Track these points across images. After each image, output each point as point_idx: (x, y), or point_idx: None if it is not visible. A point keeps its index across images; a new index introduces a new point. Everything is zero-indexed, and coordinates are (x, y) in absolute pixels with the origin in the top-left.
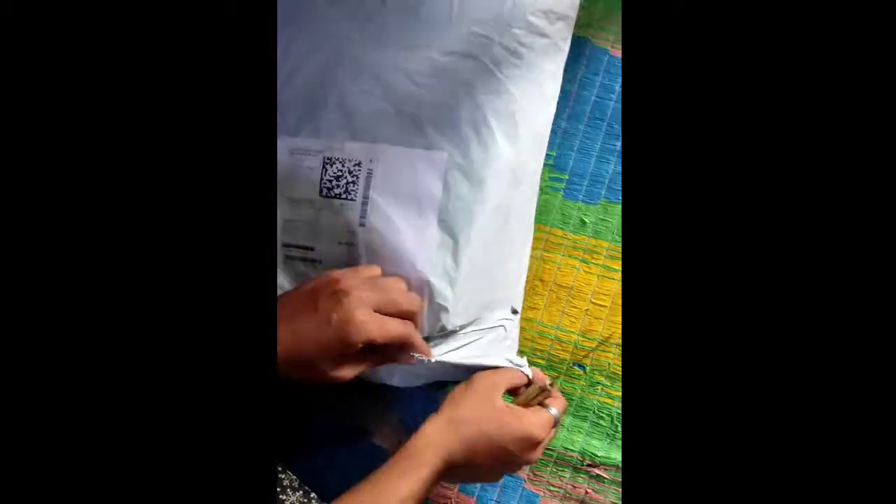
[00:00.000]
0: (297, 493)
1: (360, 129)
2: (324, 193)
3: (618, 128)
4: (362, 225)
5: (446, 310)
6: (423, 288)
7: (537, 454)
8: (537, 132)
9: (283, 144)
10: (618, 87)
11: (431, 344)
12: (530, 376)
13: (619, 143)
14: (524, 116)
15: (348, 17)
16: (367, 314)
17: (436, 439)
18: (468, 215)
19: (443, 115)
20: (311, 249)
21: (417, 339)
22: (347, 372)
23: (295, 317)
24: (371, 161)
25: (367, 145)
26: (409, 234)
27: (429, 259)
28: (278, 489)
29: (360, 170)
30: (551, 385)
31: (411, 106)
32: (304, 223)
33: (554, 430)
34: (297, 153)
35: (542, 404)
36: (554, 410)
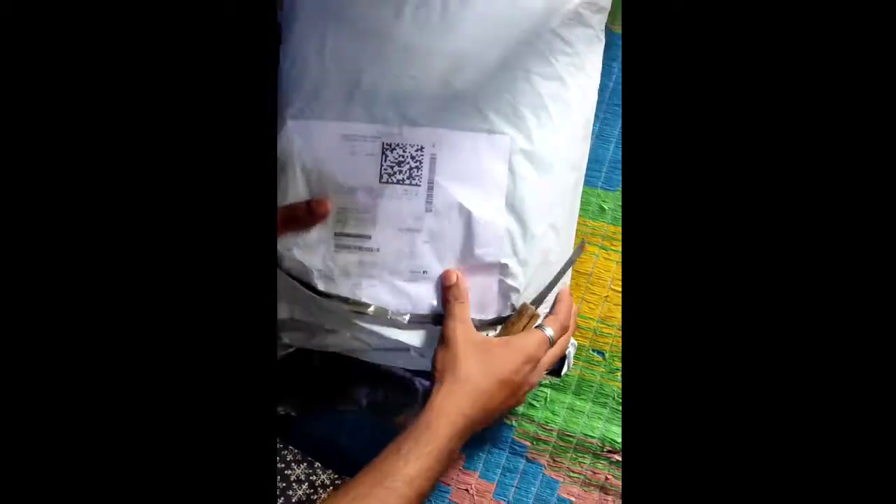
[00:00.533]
0: (302, 466)
1: (418, 115)
2: (384, 179)
3: None
4: (429, 210)
5: (517, 291)
6: (494, 270)
7: (538, 374)
8: (588, 119)
9: (334, 129)
10: None
11: None
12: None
13: None
14: (577, 103)
15: (391, 6)
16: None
17: (446, 408)
18: (535, 199)
19: (502, 99)
20: (368, 238)
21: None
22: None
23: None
24: (434, 145)
25: (428, 129)
26: (479, 217)
27: (498, 241)
28: (283, 464)
29: (422, 155)
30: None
31: (469, 91)
32: (360, 211)
33: (554, 349)
34: (350, 139)
35: (537, 326)
36: (549, 330)
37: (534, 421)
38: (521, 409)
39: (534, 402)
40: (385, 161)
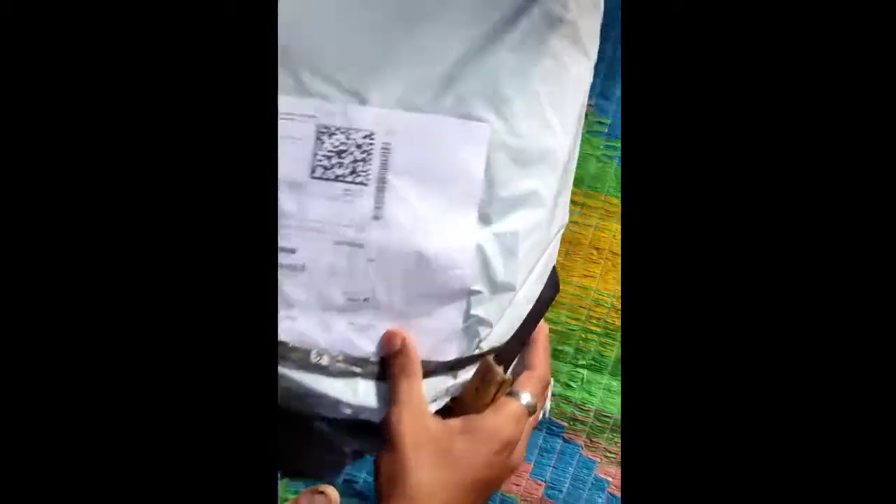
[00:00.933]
0: None
1: (369, 89)
2: (317, 174)
3: None
4: (377, 218)
5: (489, 325)
6: (460, 298)
7: (519, 457)
8: (582, 103)
9: None
10: None
11: None
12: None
13: None
14: (572, 85)
15: None
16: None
17: None
18: (518, 208)
19: (482, 76)
20: (291, 252)
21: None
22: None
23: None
24: (387, 133)
25: (380, 111)
26: (442, 229)
27: (467, 261)
28: None
29: (372, 144)
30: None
31: (438, 61)
32: (284, 214)
33: (533, 418)
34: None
35: (509, 393)
36: (526, 397)
37: (571, 402)
38: (557, 388)
39: (570, 384)
40: (320, 149)
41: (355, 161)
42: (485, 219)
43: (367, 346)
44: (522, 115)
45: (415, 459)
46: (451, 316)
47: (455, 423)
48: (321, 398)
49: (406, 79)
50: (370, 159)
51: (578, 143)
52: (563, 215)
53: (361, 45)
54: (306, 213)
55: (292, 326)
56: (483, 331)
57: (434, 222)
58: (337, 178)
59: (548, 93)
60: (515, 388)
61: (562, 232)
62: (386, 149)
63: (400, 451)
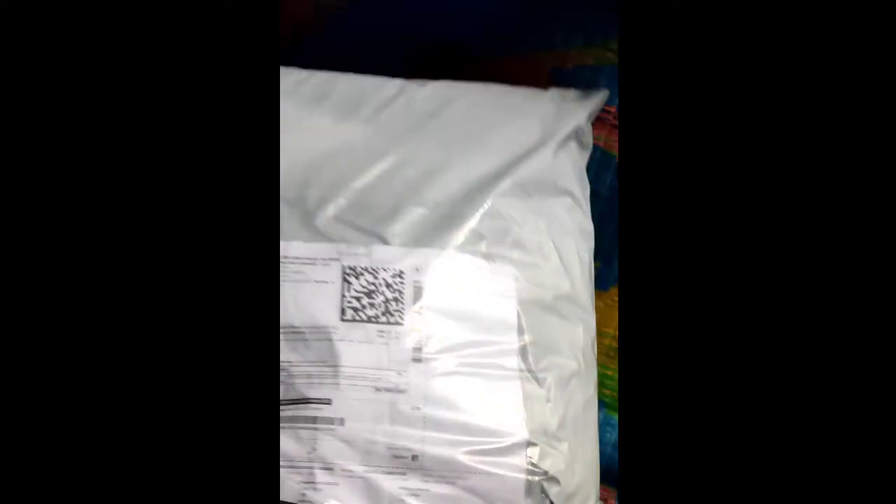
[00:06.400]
0: None
1: (390, 231)
2: (348, 317)
3: None
4: (417, 360)
5: (557, 483)
6: (518, 454)
7: None
8: (590, 258)
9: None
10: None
11: None
12: None
13: None
14: (581, 235)
15: (346, 112)
16: None
17: None
18: (555, 349)
19: (499, 216)
20: (327, 403)
21: None
22: None
23: None
24: (417, 269)
25: (405, 250)
26: (489, 373)
27: (518, 409)
28: None
29: (402, 282)
30: None
31: (455, 207)
32: (314, 364)
33: None
34: (294, 262)
35: None
36: None
37: None
38: None
39: None
40: (348, 291)
41: (387, 300)
42: (527, 362)
43: None
44: (541, 263)
45: None
46: (512, 481)
47: None
48: None
49: (427, 220)
50: (402, 298)
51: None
52: (592, 360)
53: (374, 191)
54: (338, 359)
55: (334, 494)
56: (553, 490)
57: (480, 363)
58: (369, 320)
59: (565, 243)
60: None
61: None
62: (418, 287)
63: None
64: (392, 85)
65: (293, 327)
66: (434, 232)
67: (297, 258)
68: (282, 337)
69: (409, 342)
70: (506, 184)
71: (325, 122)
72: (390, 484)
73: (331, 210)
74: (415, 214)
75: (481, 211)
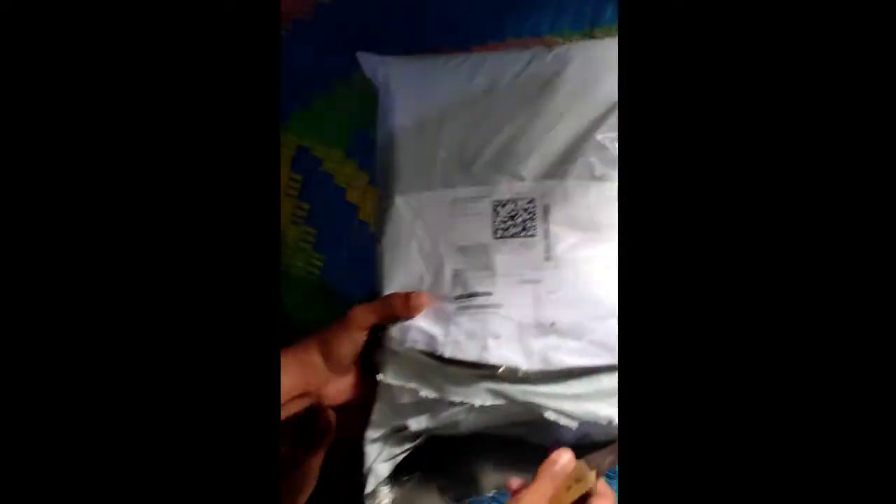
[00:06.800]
0: None
1: (524, 171)
2: (498, 235)
3: None
4: (548, 259)
5: None
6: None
7: None
8: None
9: (441, 197)
10: None
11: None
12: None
13: None
14: None
15: (486, 85)
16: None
17: None
18: None
19: (604, 152)
20: (490, 294)
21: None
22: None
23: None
24: (544, 196)
25: (535, 183)
26: (599, 265)
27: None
28: None
29: (534, 206)
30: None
31: (570, 142)
32: (478, 269)
33: None
34: (458, 202)
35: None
36: None
37: None
38: None
39: None
40: (497, 217)
41: (524, 220)
42: None
43: (561, 361)
44: None
45: None
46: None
47: None
48: (529, 407)
49: (550, 158)
50: (535, 217)
51: None
52: None
53: (511, 141)
54: (494, 264)
55: (501, 354)
56: None
57: (592, 256)
58: (514, 235)
59: None
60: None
61: None
62: (546, 207)
63: None
64: (524, 56)
65: (463, 246)
66: (556, 167)
67: (462, 198)
68: (456, 252)
69: (541, 248)
70: (610, 121)
71: (477, 92)
72: (537, 343)
73: (481, 159)
74: (541, 156)
75: (591, 145)
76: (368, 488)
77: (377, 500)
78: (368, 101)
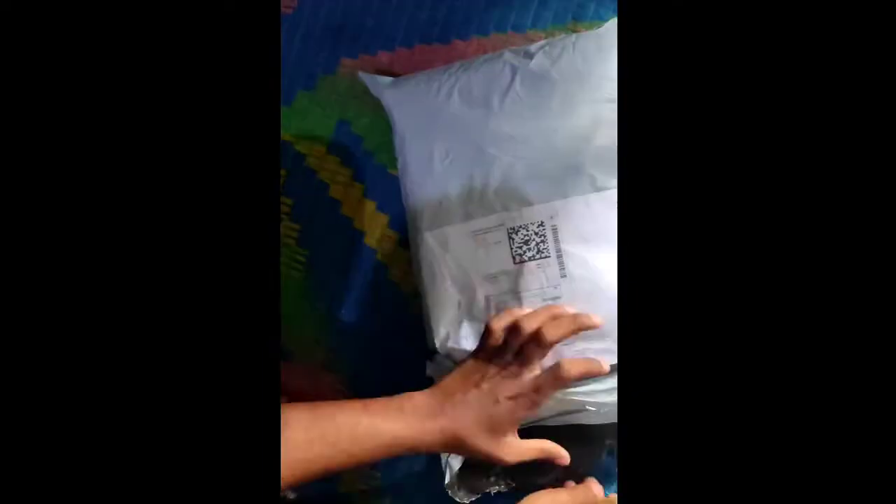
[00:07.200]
0: None
1: (530, 195)
2: (517, 260)
3: None
4: (563, 276)
5: None
6: None
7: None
8: None
9: (462, 230)
10: None
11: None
12: None
13: None
14: None
15: (481, 104)
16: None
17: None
18: None
19: (601, 155)
20: None
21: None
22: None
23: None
24: (552, 217)
25: (542, 205)
26: (611, 271)
27: None
28: None
29: (544, 229)
30: None
31: (569, 158)
32: (506, 293)
33: None
34: (478, 234)
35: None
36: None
37: None
38: None
39: None
40: (513, 244)
41: (537, 244)
42: None
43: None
44: None
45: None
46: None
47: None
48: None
49: (552, 178)
50: (546, 240)
51: None
52: None
53: (513, 165)
54: (519, 287)
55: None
56: None
57: (603, 267)
58: (531, 259)
59: None
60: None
61: None
62: (555, 229)
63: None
64: (507, 69)
65: (490, 273)
66: (559, 185)
67: (481, 229)
68: (484, 280)
69: (555, 267)
70: (606, 125)
71: (476, 113)
72: (569, 350)
73: (490, 189)
74: (545, 176)
75: (591, 154)
76: (446, 480)
77: (454, 490)
78: (351, 96)
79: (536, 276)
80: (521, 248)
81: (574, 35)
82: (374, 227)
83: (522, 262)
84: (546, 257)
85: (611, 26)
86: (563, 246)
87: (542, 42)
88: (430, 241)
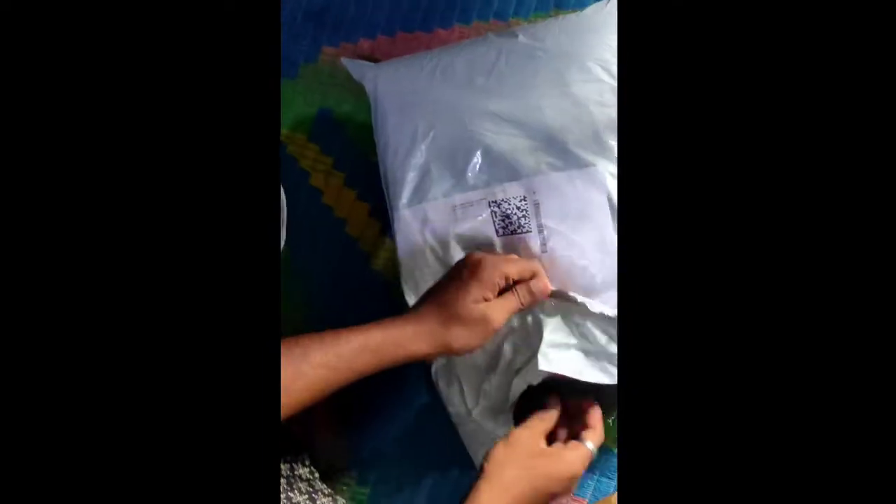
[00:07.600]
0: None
1: (513, 169)
2: (500, 233)
3: None
4: (544, 251)
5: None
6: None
7: (573, 488)
8: None
9: (443, 205)
10: None
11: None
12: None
13: None
14: None
15: (465, 83)
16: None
17: None
18: None
19: (584, 134)
20: None
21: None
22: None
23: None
24: (534, 193)
25: (524, 181)
26: (591, 248)
27: (614, 266)
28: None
29: (526, 203)
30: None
31: (552, 135)
32: None
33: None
34: (461, 207)
35: (577, 437)
36: (590, 444)
37: None
38: None
39: None
40: (496, 217)
41: (519, 218)
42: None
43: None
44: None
45: (516, 458)
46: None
47: (550, 452)
48: None
49: (535, 154)
50: (528, 214)
51: None
52: None
53: (496, 142)
54: None
55: None
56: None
57: (583, 243)
58: (513, 232)
59: None
60: (584, 437)
61: None
62: (536, 204)
63: (515, 448)
64: (491, 50)
65: (472, 248)
66: (540, 161)
67: (463, 204)
68: (467, 249)
69: (537, 241)
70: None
71: (459, 93)
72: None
73: (472, 166)
74: (528, 152)
75: (574, 131)
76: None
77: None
78: (333, 84)
79: (517, 251)
80: (503, 220)
81: (560, 17)
82: (356, 217)
83: (505, 235)
84: (528, 232)
85: (598, 7)
86: (545, 221)
87: (528, 25)
88: (407, 216)
